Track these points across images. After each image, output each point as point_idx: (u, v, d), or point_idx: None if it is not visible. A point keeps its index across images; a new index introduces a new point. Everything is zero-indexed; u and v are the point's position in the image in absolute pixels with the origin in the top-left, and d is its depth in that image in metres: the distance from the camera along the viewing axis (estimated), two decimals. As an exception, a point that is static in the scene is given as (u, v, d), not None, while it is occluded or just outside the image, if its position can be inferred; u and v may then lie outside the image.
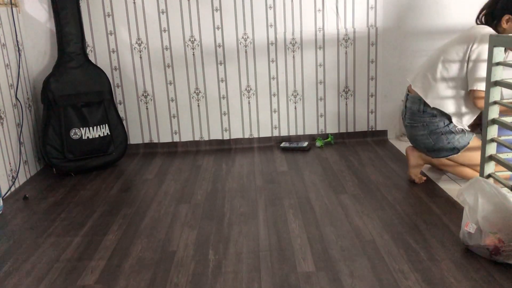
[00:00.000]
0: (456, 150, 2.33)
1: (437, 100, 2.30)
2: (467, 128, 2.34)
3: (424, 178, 2.47)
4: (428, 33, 3.15)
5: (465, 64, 2.23)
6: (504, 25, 2.21)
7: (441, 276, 1.62)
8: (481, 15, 2.31)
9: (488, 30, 2.21)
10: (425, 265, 1.69)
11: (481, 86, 2.17)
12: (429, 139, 2.36)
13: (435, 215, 2.08)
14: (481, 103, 2.16)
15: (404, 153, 2.65)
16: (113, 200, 2.46)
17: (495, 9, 2.24)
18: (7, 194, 2.57)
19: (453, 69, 2.27)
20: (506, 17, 2.19)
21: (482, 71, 2.16)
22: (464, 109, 2.31)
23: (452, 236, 1.88)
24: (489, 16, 2.27)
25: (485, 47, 2.11)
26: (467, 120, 2.34)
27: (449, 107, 2.30)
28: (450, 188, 2.36)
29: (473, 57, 2.20)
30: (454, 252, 1.77)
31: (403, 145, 2.97)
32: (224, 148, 3.29)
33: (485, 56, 2.12)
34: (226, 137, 3.30)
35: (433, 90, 2.31)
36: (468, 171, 2.38)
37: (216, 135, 3.30)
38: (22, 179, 2.77)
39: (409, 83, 2.47)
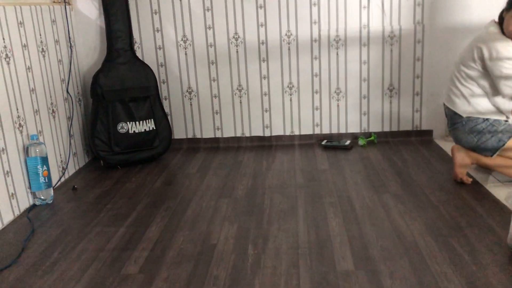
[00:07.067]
0: (502, 141, 2.28)
1: (466, 106, 2.38)
2: (509, 116, 2.35)
3: (471, 179, 2.40)
4: (477, 30, 3.03)
5: (479, 63, 2.31)
6: (507, 20, 2.29)
7: (486, 282, 1.57)
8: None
9: (491, 29, 2.34)
10: (469, 270, 1.64)
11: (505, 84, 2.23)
12: (471, 135, 2.36)
13: (481, 218, 2.02)
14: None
15: (450, 154, 2.58)
16: (157, 193, 2.52)
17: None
18: (57, 184, 2.69)
19: (471, 72, 2.34)
20: (510, 13, 2.29)
21: (499, 68, 2.24)
22: (496, 103, 2.33)
23: (499, 240, 1.82)
24: (501, 14, 2.38)
25: (492, 45, 2.26)
26: (507, 107, 2.34)
27: (480, 107, 2.35)
28: (498, 190, 2.28)
29: (487, 56, 2.27)
30: (501, 257, 1.71)
31: (449, 146, 2.88)
32: (265, 144, 3.31)
33: (496, 53, 2.24)
34: (267, 134, 3.31)
35: (460, 99, 2.40)
36: None
37: (257, 131, 3.31)
38: (71, 170, 2.89)
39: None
